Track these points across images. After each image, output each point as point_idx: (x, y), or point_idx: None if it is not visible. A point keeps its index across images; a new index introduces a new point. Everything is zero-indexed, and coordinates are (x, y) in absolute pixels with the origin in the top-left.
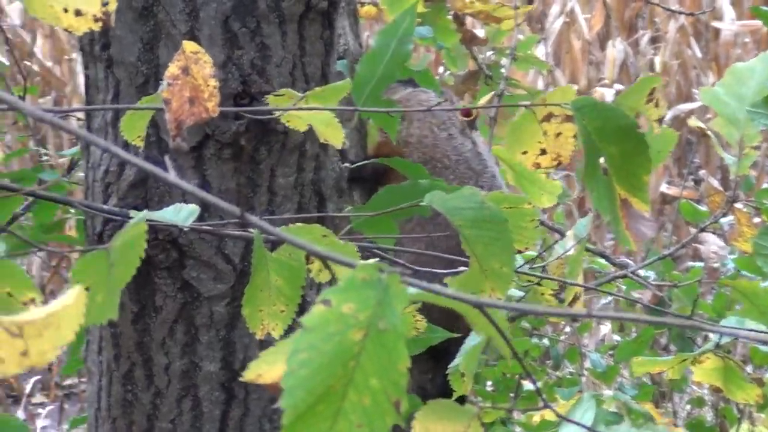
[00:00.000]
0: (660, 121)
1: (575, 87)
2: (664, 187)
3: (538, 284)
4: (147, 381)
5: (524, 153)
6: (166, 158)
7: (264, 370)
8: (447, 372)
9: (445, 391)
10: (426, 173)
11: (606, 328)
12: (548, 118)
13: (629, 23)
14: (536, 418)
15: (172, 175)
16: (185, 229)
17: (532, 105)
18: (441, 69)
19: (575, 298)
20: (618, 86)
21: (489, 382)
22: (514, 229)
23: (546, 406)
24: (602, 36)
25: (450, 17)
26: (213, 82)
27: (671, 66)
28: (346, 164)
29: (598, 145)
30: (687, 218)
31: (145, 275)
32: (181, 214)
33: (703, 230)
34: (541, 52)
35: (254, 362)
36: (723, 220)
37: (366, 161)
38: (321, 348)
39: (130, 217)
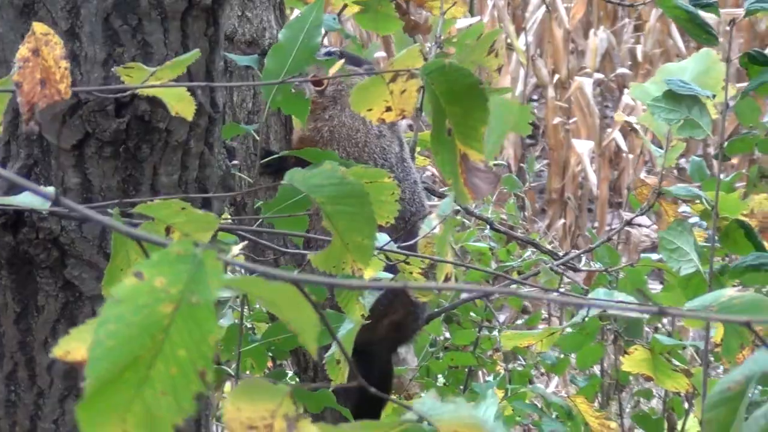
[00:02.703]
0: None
1: (557, 76)
2: (642, 175)
3: (406, 263)
4: (30, 381)
5: (369, 110)
6: None
7: (73, 347)
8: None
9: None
10: (336, 158)
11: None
12: (394, 78)
13: (612, 11)
14: None
15: None
16: (67, 228)
17: (380, 72)
18: None
19: (447, 278)
20: (598, 75)
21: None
22: (374, 204)
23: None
24: (585, 24)
25: (392, 4)
26: (64, 64)
27: (653, 55)
28: (235, 162)
29: (444, 107)
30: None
31: (27, 275)
32: (36, 199)
33: (629, 223)
34: (522, 41)
35: (64, 338)
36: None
37: (281, 153)
38: (130, 319)
39: None
